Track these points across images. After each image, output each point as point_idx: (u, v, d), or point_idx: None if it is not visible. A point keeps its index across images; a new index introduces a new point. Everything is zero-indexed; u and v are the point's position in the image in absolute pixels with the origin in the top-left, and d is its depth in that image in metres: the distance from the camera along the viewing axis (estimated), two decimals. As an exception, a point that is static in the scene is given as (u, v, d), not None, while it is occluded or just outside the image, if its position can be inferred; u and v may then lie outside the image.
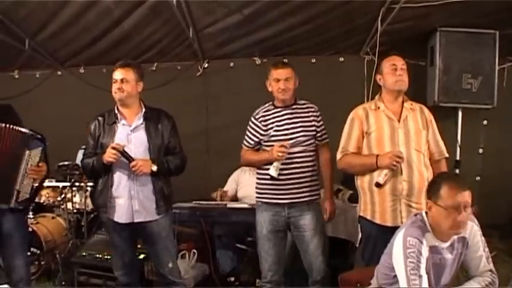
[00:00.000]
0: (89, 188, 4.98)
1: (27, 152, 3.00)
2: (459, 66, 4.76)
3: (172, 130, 3.52)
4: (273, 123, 3.61)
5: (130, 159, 3.30)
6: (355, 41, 5.26)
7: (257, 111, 3.73)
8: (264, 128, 3.64)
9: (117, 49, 5.26)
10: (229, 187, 4.96)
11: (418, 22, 4.69)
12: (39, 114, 5.09)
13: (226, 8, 4.53)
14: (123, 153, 3.29)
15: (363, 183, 3.36)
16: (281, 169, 3.49)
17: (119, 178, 3.39)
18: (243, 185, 4.91)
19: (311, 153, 3.60)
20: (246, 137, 3.75)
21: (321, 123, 3.65)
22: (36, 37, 5.08)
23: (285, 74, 3.56)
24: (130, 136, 3.41)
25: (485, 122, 5.34)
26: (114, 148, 3.26)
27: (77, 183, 4.97)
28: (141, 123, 3.44)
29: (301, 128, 3.57)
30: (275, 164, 3.48)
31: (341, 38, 5.18)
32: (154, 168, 3.35)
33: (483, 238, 2.69)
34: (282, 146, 3.43)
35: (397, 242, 2.54)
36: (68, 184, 5.00)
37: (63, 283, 4.44)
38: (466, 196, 2.48)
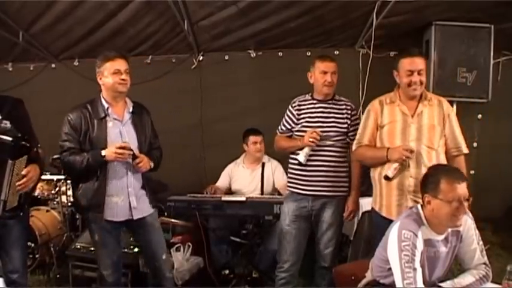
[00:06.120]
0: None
1: (10, 162, 2.72)
2: (454, 60, 4.75)
3: (152, 124, 3.47)
4: (306, 113, 3.71)
5: (134, 156, 3.19)
6: (350, 34, 5.26)
7: (295, 99, 3.82)
8: (297, 117, 3.74)
9: (112, 42, 5.23)
10: (223, 181, 4.96)
11: (414, 16, 4.67)
12: (33, 107, 4.95)
13: (222, 0, 4.51)
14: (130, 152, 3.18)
15: (374, 175, 3.38)
16: (308, 161, 3.61)
17: (115, 176, 3.24)
18: (236, 179, 4.93)
19: (340, 149, 3.66)
20: (281, 123, 3.85)
21: (356, 122, 3.66)
22: (30, 30, 5.03)
23: (333, 67, 3.67)
24: (123, 132, 3.28)
25: (479, 116, 5.35)
26: (123, 147, 3.13)
27: (71, 176, 4.96)
28: (129, 118, 3.33)
29: (333, 123, 3.64)
30: (305, 149, 3.60)
31: (336, 31, 5.17)
32: (152, 164, 3.31)
33: (477, 231, 2.72)
34: (314, 132, 3.53)
35: (392, 235, 2.55)
36: (62, 177, 4.99)
37: (57, 276, 4.44)
38: (465, 188, 2.51)
